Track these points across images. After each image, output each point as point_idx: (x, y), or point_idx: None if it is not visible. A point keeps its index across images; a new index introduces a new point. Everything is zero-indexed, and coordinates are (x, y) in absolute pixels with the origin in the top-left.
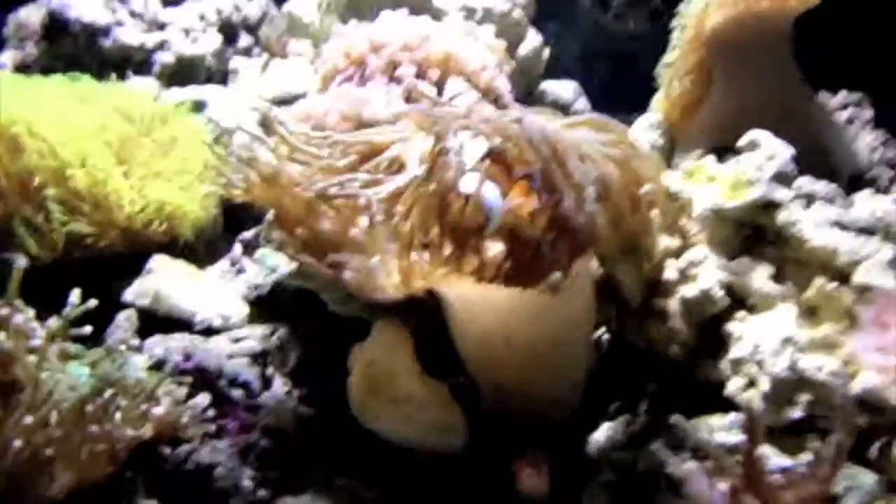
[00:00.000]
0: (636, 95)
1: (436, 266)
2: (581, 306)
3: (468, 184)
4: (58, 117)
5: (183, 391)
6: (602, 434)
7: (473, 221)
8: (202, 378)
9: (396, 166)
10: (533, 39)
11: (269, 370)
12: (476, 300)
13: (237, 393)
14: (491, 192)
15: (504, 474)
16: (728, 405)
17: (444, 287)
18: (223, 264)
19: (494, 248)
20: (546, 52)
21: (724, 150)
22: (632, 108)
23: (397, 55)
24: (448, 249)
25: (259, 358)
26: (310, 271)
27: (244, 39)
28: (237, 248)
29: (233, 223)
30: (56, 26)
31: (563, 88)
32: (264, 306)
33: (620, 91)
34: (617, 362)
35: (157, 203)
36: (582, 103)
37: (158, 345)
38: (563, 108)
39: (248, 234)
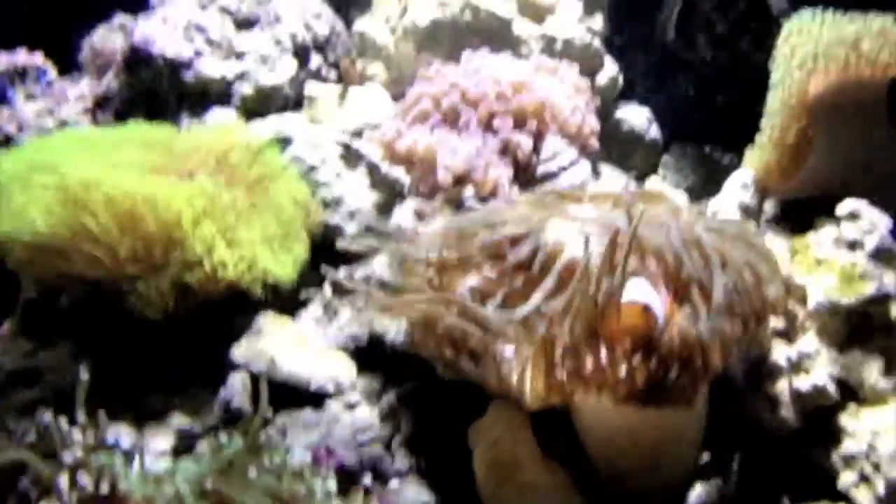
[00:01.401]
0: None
1: (577, 384)
2: (702, 403)
3: (637, 292)
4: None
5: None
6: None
7: (637, 331)
8: (345, 475)
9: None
10: (610, 69)
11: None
12: (605, 406)
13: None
14: (657, 302)
15: None
16: (832, 493)
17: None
18: (315, 309)
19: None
20: (621, 80)
21: (821, 203)
22: (704, 139)
23: (492, 106)
24: (591, 364)
25: (386, 440)
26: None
27: (314, 60)
28: (327, 290)
29: (318, 257)
30: (138, 60)
31: (637, 115)
32: (365, 357)
33: (691, 118)
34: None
35: (259, 263)
36: (654, 131)
37: (290, 428)
38: (637, 137)
39: (338, 275)
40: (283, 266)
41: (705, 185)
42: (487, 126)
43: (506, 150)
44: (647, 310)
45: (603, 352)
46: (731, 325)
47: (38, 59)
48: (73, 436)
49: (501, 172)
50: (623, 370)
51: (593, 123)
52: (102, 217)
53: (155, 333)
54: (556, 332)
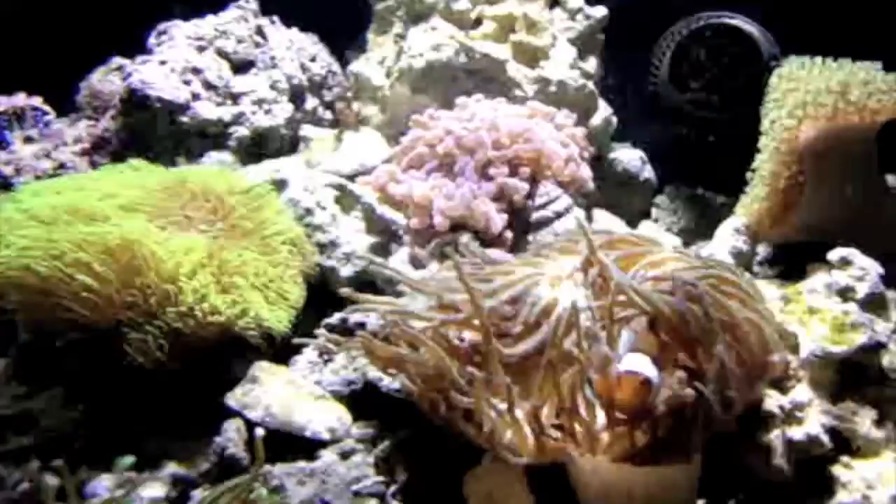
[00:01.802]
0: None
1: (572, 444)
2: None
3: (636, 363)
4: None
5: None
6: None
7: (635, 403)
8: None
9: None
10: (603, 111)
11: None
12: (601, 460)
13: None
14: (654, 372)
15: None
16: None
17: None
18: (310, 354)
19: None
20: (615, 121)
21: (813, 248)
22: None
23: (488, 153)
24: (587, 427)
25: (381, 490)
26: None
27: (310, 102)
28: (323, 334)
29: (314, 300)
30: (135, 102)
31: (630, 157)
32: (360, 404)
33: (683, 160)
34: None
35: (252, 310)
36: (648, 172)
37: (285, 479)
38: (631, 178)
39: (332, 320)
40: (277, 313)
41: (698, 226)
42: (483, 173)
43: (501, 195)
44: (645, 383)
45: (602, 415)
46: (734, 388)
47: (37, 101)
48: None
49: (497, 217)
50: (622, 433)
51: (586, 173)
52: (99, 265)
53: (149, 380)
54: (549, 393)
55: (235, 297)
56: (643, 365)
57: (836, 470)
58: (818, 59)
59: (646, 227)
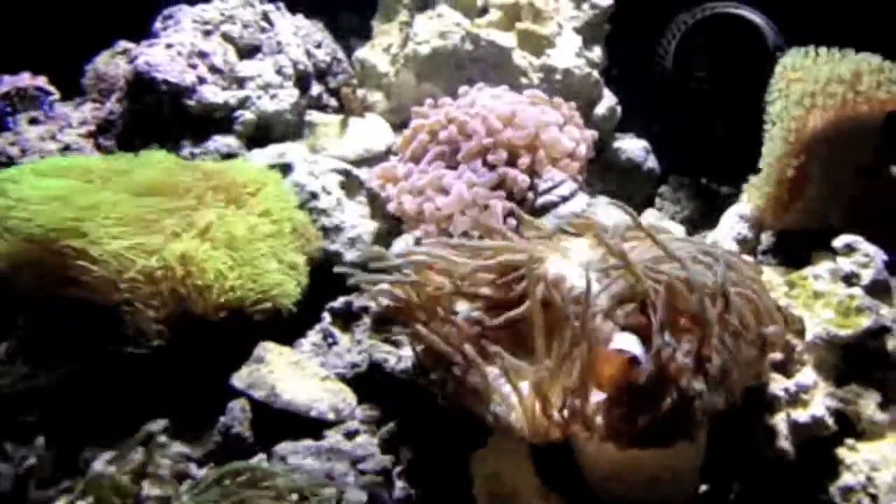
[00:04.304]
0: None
1: (577, 425)
2: (702, 434)
3: (623, 342)
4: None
5: None
6: None
7: (621, 381)
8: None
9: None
10: (608, 100)
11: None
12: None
13: None
14: (641, 350)
15: None
16: None
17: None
18: (314, 336)
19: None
20: (619, 111)
21: (818, 236)
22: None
23: (487, 140)
24: (590, 408)
25: (386, 470)
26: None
27: (316, 88)
28: (327, 318)
29: (317, 286)
30: (141, 85)
31: (635, 146)
32: (364, 385)
33: (688, 150)
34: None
35: (262, 286)
36: (652, 162)
37: (290, 458)
38: (635, 167)
39: (337, 304)
40: (287, 286)
41: (703, 216)
42: (484, 160)
43: (502, 184)
44: (632, 361)
45: (598, 396)
46: (734, 368)
47: (42, 81)
48: None
49: (494, 205)
50: (621, 415)
51: (584, 155)
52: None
53: (155, 359)
54: (556, 373)
55: (246, 269)
56: (631, 343)
57: (841, 452)
58: (823, 50)
59: (649, 216)
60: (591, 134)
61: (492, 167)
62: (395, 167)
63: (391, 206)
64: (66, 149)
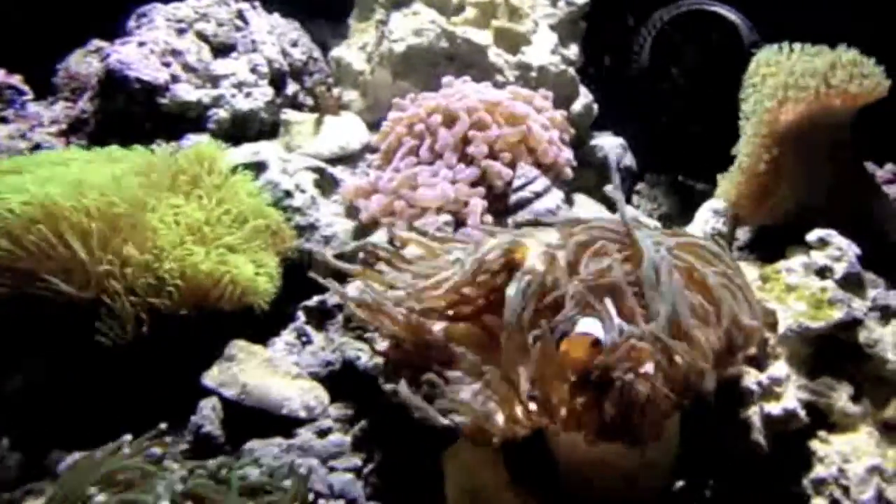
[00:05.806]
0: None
1: (545, 419)
2: (674, 430)
3: (587, 326)
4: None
5: None
6: None
7: (583, 360)
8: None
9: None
10: (585, 97)
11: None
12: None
13: None
14: (603, 334)
15: None
16: None
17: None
18: (289, 335)
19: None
20: (596, 108)
21: (792, 230)
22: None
23: (468, 133)
24: (558, 401)
25: (358, 467)
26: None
27: (291, 86)
28: (301, 316)
29: (292, 285)
30: (114, 84)
31: (611, 144)
32: (338, 383)
33: (664, 147)
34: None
35: (236, 279)
36: (629, 160)
37: (261, 455)
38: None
39: (311, 303)
40: (260, 280)
41: (679, 213)
42: (462, 155)
43: (482, 179)
44: (595, 343)
45: (564, 387)
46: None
47: (16, 80)
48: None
49: (474, 203)
50: (588, 407)
51: (567, 156)
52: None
53: (125, 358)
54: (522, 366)
55: (221, 260)
56: (594, 327)
57: (814, 444)
58: (797, 45)
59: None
60: (571, 131)
61: (470, 161)
62: (364, 183)
63: (363, 217)
64: (37, 147)
